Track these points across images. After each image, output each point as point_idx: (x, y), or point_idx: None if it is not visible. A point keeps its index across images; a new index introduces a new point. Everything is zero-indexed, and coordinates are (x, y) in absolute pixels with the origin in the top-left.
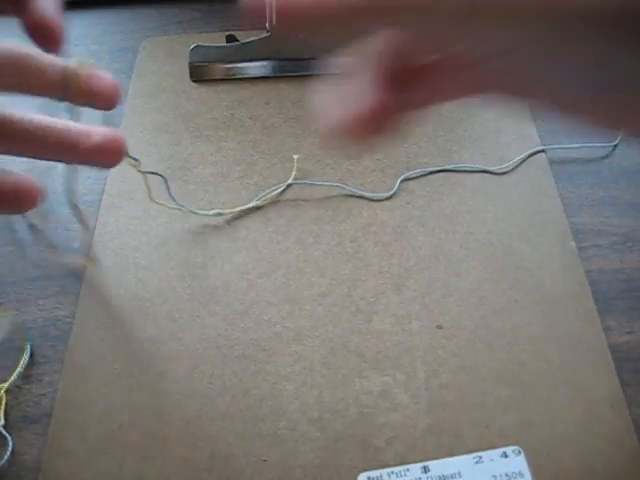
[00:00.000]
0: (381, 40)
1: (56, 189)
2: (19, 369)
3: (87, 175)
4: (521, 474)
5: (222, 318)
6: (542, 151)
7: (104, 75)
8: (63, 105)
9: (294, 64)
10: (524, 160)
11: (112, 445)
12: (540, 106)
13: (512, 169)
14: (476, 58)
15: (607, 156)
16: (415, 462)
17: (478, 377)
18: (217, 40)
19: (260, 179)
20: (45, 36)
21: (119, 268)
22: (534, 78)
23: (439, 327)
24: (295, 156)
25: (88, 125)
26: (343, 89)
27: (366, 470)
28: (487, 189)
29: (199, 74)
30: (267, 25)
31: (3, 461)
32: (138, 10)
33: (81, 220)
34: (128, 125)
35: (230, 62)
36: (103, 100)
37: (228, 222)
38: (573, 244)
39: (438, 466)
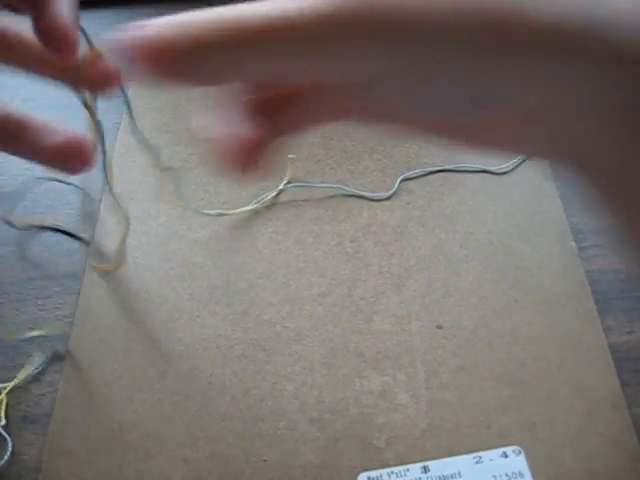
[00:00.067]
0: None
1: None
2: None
3: (87, 175)
4: (521, 474)
5: (222, 318)
6: None
7: (109, 62)
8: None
9: None
10: (524, 160)
11: (112, 445)
12: (412, 132)
13: (512, 169)
14: (341, 85)
15: None
16: (415, 462)
17: (478, 377)
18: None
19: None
20: (58, 40)
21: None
22: (403, 102)
23: (439, 327)
24: (290, 155)
25: (59, 125)
26: (215, 120)
27: (366, 470)
28: (487, 189)
29: None
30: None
31: (3, 462)
32: (138, 10)
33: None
34: (128, 125)
35: None
36: (104, 84)
37: (228, 222)
38: (573, 244)
39: (438, 466)
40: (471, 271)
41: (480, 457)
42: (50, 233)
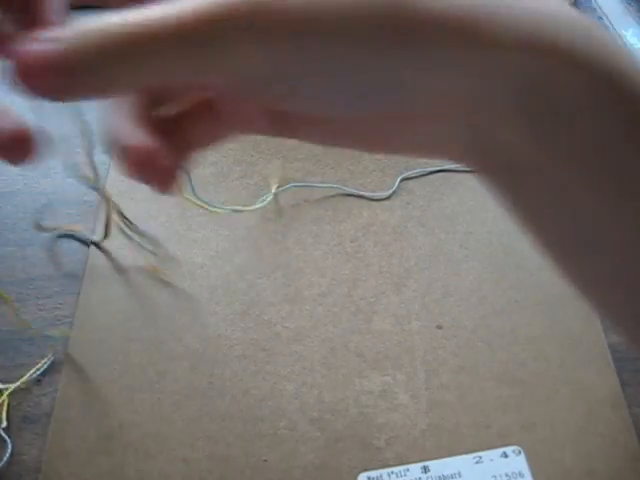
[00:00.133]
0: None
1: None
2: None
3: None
4: (521, 474)
5: (222, 318)
6: None
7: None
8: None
9: None
10: None
11: (112, 445)
12: (312, 137)
13: None
14: (233, 87)
15: None
16: (415, 462)
17: (478, 377)
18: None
19: (260, 179)
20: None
21: (119, 268)
22: (299, 99)
23: (439, 327)
24: (278, 162)
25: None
26: (124, 129)
27: (366, 470)
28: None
29: None
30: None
31: (3, 462)
32: None
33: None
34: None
35: None
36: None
37: (228, 222)
38: None
39: (438, 466)
40: (471, 271)
41: (480, 457)
42: (49, 233)
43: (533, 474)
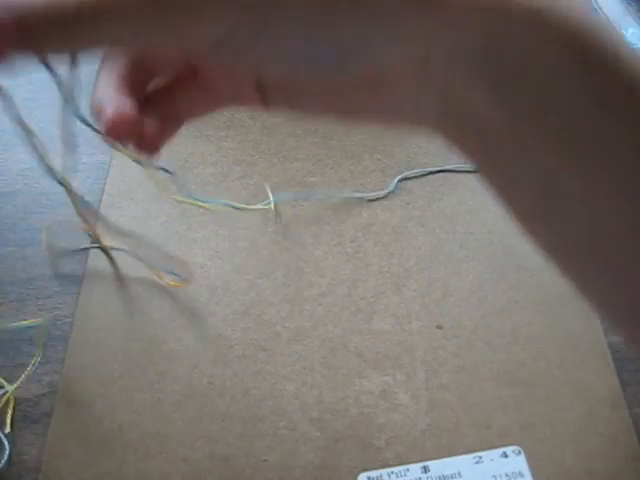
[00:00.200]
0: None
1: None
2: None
3: (87, 175)
4: (521, 474)
5: (222, 318)
6: None
7: None
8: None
9: None
10: None
11: (112, 445)
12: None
13: None
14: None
15: None
16: (415, 462)
17: (478, 377)
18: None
19: (260, 179)
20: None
21: (119, 268)
22: (261, 56)
23: (439, 327)
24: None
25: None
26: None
27: (366, 470)
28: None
29: None
30: None
31: (2, 463)
32: None
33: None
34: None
35: None
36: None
37: (228, 222)
38: None
39: (438, 466)
40: (471, 271)
41: (480, 457)
42: (49, 233)
43: (533, 474)
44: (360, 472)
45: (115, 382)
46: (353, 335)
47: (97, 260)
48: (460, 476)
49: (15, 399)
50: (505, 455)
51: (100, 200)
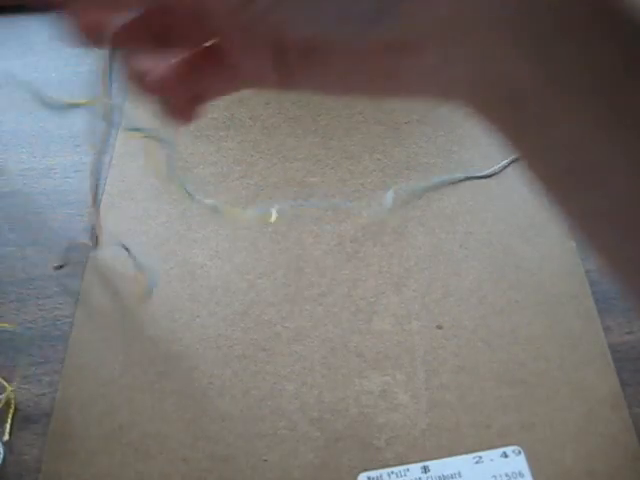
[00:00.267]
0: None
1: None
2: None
3: (87, 175)
4: (521, 474)
5: (222, 318)
6: None
7: None
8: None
9: None
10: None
11: (112, 445)
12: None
13: (512, 169)
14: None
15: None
16: (415, 462)
17: (478, 377)
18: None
19: (260, 179)
20: None
21: (119, 268)
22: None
23: (439, 327)
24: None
25: None
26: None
27: (366, 470)
28: (487, 189)
29: None
30: None
31: (2, 463)
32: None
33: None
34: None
35: None
36: None
37: (228, 222)
38: (573, 244)
39: (438, 466)
40: (471, 271)
41: (480, 457)
42: (49, 233)
43: (533, 474)
44: (360, 472)
45: (115, 382)
46: (353, 335)
47: (97, 260)
48: (460, 476)
49: (15, 399)
50: (505, 455)
51: (100, 200)
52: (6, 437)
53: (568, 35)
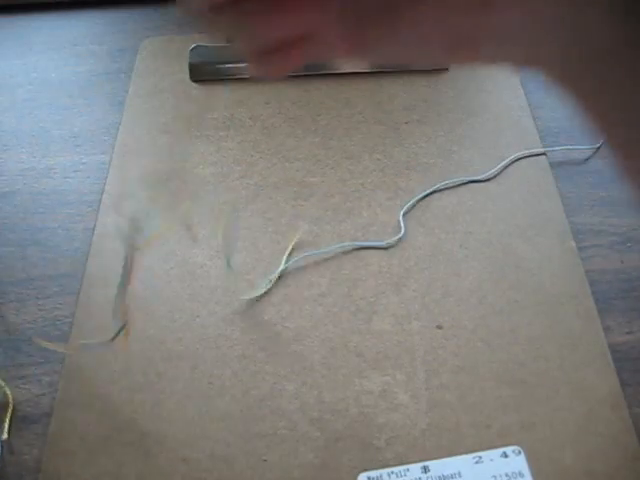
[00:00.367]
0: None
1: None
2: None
3: (87, 175)
4: (521, 474)
5: (222, 318)
6: (542, 152)
7: None
8: None
9: None
10: (524, 160)
11: (112, 445)
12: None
13: (512, 169)
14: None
15: (607, 156)
16: (415, 462)
17: (478, 377)
18: (217, 40)
19: (260, 179)
20: None
21: (119, 268)
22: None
23: (439, 327)
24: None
25: None
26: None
27: (366, 470)
28: (487, 189)
29: (199, 74)
30: None
31: (2, 463)
32: (138, 10)
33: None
34: (128, 125)
35: (230, 62)
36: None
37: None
38: (573, 244)
39: (438, 466)
40: (471, 271)
41: (480, 457)
42: (49, 233)
43: (533, 474)
44: (360, 472)
45: (115, 382)
46: (353, 335)
47: (97, 260)
48: (460, 476)
49: (15, 399)
50: (505, 455)
51: (100, 200)
52: (4, 436)
53: None
